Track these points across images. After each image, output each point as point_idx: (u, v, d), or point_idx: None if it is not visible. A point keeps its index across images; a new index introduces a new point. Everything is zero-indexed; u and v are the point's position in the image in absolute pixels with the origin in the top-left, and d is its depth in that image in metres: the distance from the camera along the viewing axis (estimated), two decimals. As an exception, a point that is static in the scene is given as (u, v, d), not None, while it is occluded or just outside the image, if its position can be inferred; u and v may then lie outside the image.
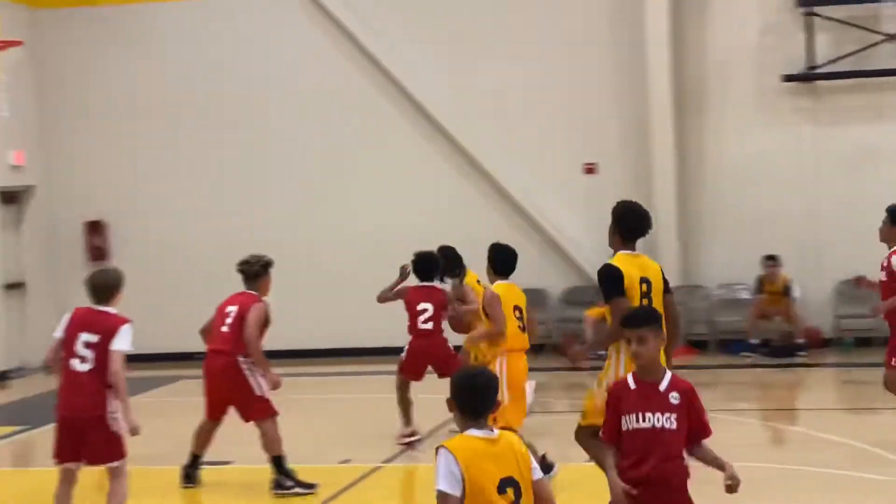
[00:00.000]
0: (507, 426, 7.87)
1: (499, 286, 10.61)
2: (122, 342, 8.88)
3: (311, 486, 10.97)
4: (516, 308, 10.63)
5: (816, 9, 18.72)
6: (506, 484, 5.61)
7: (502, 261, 10.76)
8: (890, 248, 11.92)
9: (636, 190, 19.40)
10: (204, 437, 11.36)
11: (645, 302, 8.66)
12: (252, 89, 20.49)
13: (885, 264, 11.79)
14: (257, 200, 20.30)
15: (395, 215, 20.05)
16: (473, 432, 5.67)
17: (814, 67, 18.89)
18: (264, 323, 11.07)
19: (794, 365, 17.91)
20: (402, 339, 13.04)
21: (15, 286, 20.25)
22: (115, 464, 9.08)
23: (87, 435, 8.94)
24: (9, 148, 19.84)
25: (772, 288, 18.75)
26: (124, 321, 8.98)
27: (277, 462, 10.96)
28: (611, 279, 8.72)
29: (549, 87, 19.81)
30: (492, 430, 5.71)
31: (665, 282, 9.05)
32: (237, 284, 11.33)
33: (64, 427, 9.02)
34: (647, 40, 19.05)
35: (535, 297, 19.69)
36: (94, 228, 20.77)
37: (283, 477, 10.92)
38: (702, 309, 19.46)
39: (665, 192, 19.13)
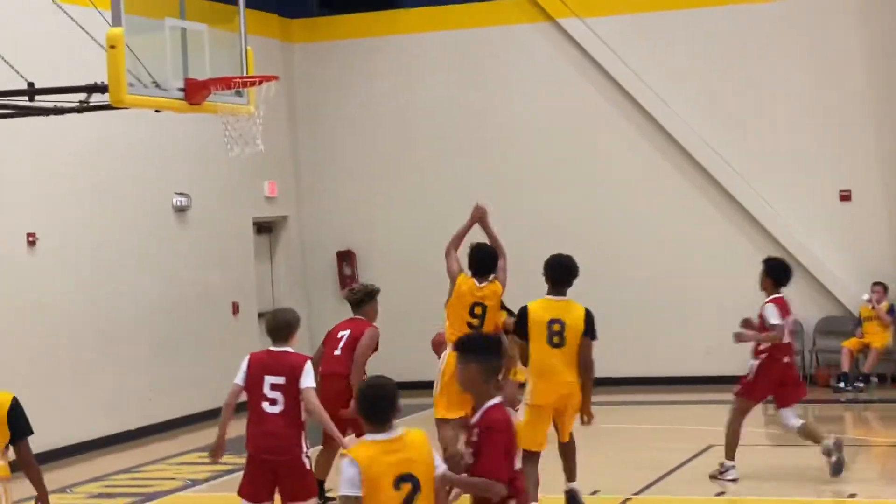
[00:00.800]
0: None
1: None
2: (309, 379, 9.02)
3: None
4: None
5: None
6: (401, 480, 6.08)
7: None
8: (767, 297, 12.61)
9: (893, 218, 18.84)
10: (324, 463, 11.53)
11: (556, 339, 10.52)
12: (500, 124, 20.54)
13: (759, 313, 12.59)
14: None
15: (653, 253, 19.79)
16: (373, 437, 6.16)
17: None
18: (374, 348, 11.60)
19: None
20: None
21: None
22: (310, 501, 9.21)
23: (281, 475, 9.05)
24: (263, 179, 20.36)
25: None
26: (306, 359, 9.14)
27: None
28: (518, 319, 10.79)
29: (805, 113, 19.35)
30: (393, 432, 6.17)
31: (587, 326, 10.65)
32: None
33: (259, 468, 9.10)
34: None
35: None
36: (345, 258, 21.14)
37: None
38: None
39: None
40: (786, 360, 12.42)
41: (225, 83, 10.85)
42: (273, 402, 8.97)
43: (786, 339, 12.41)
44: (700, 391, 18.80)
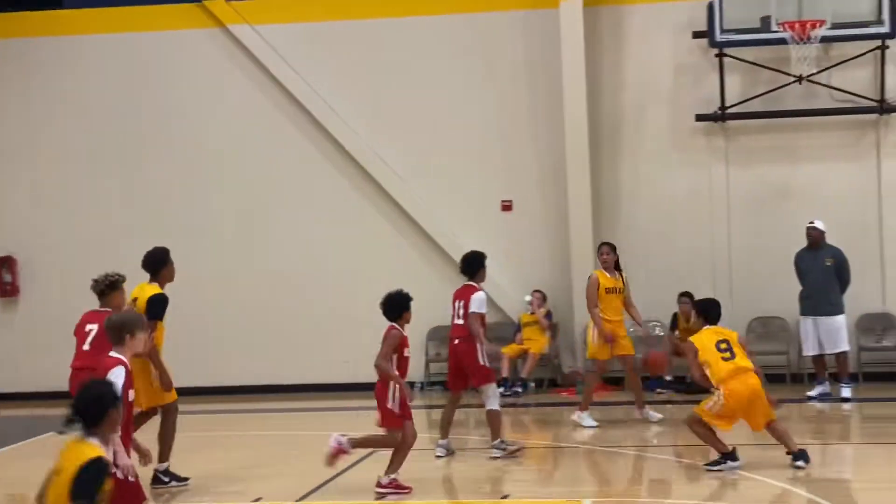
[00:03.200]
0: None
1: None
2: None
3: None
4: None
5: (728, 50, 18.99)
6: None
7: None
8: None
9: (552, 228, 19.59)
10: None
11: None
12: (171, 129, 20.41)
13: None
14: (168, 236, 20.08)
15: (314, 251, 20.07)
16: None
17: (725, 108, 19.16)
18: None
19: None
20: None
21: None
22: None
23: None
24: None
25: (686, 325, 18.91)
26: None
27: None
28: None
29: (467, 127, 19.95)
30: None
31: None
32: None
33: None
34: (564, 82, 19.19)
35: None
36: (4, 263, 20.51)
37: None
38: (617, 346, 19.54)
39: (581, 229, 19.24)
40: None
41: None
42: None
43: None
44: (342, 398, 19.11)
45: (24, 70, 20.59)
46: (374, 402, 12.03)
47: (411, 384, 19.77)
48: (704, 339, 12.71)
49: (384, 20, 20.09)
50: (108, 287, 11.78)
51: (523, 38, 19.85)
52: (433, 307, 19.69)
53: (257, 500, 11.92)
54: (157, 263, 12.73)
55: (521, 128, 19.91)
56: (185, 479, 12.79)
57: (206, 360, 19.62)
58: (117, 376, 8.13)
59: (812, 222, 17.61)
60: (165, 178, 20.43)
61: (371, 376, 12.02)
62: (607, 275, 15.69)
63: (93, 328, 11.62)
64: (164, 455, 12.58)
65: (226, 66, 20.33)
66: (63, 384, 11.75)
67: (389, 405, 11.87)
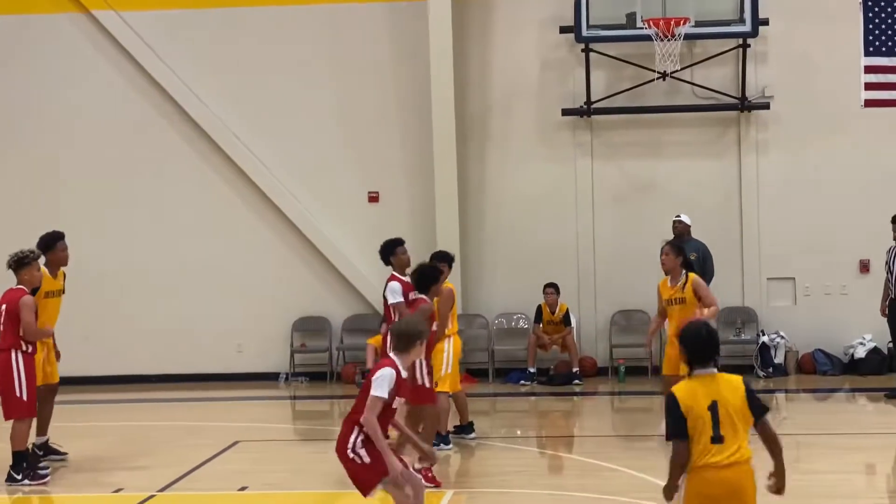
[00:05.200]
0: None
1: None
2: None
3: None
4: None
5: (594, 45, 19.19)
6: None
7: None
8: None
9: (419, 219, 19.63)
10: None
11: None
12: (32, 115, 20.08)
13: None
14: (29, 224, 19.74)
15: (176, 242, 19.89)
16: None
17: (591, 103, 19.37)
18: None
19: (570, 393, 18.27)
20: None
21: None
22: None
23: None
24: None
25: (550, 317, 19.12)
26: None
27: None
28: None
29: (334, 116, 19.91)
30: None
31: None
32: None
33: None
34: (431, 74, 19.23)
35: (318, 325, 19.76)
36: None
37: None
38: (481, 338, 19.70)
39: (447, 221, 19.31)
40: None
41: None
42: None
43: None
44: (229, 388, 19.06)
45: None
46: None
47: (276, 376, 19.78)
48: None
49: (250, 8, 19.94)
50: (16, 264, 12.26)
51: (391, 28, 19.84)
52: (299, 298, 19.75)
53: (118, 490, 11.81)
54: (44, 247, 13.02)
55: (389, 119, 19.91)
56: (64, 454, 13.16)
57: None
58: (388, 381, 8.57)
59: (678, 216, 17.87)
60: (26, 165, 20.06)
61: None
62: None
63: (1, 308, 12.19)
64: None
65: (89, 52, 20.02)
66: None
67: (420, 381, 11.80)
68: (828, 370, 19.10)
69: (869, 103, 18.43)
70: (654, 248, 18.02)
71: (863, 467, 12.75)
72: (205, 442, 14.28)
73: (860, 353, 19.05)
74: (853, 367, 19.06)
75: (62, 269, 13.32)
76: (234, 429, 15.20)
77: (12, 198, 20.06)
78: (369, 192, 20.03)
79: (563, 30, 19.22)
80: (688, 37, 18.66)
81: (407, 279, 12.98)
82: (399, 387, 8.66)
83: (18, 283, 12.28)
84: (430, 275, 12.15)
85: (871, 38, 18.31)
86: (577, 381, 18.81)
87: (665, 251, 13.27)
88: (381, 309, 19.69)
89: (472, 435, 13.92)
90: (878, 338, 18.81)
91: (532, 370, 19.06)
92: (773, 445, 7.29)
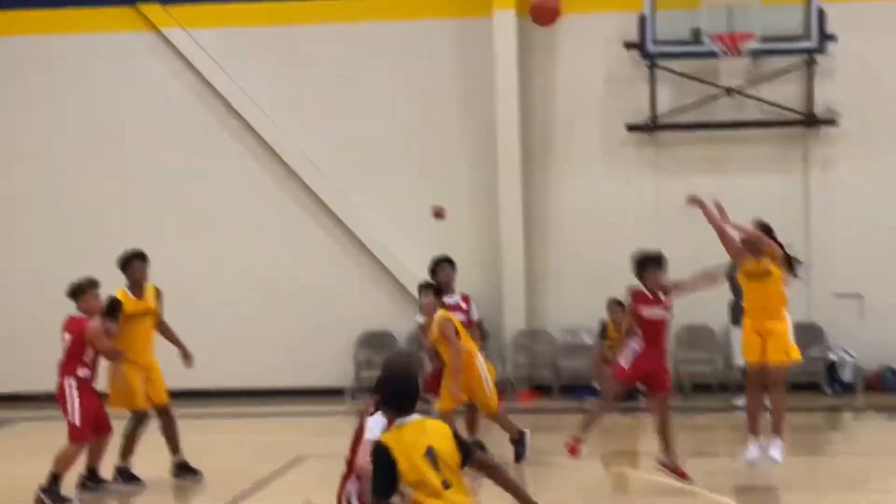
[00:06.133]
0: None
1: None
2: None
3: None
4: None
5: (659, 61, 19.18)
6: None
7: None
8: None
9: (483, 234, 19.68)
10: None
11: None
12: (108, 132, 20.31)
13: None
14: (97, 236, 19.93)
15: (240, 255, 20.04)
16: None
17: (656, 119, 19.35)
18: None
19: (635, 409, 18.19)
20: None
21: None
22: None
23: None
24: None
25: (615, 333, 19.06)
26: None
27: None
28: None
29: (400, 130, 20.00)
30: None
31: None
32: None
33: None
34: (496, 90, 19.30)
35: (382, 340, 19.83)
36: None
37: None
38: (546, 354, 19.70)
39: (512, 238, 19.37)
40: None
41: None
42: None
43: None
44: (294, 403, 19.15)
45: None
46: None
47: (341, 391, 19.85)
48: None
49: (316, 26, 20.08)
50: (72, 295, 12.22)
51: (457, 45, 19.93)
52: (364, 312, 19.83)
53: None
54: (121, 268, 13.04)
55: (454, 133, 19.98)
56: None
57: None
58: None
59: None
60: (93, 179, 20.27)
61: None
62: None
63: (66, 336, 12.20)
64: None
65: (158, 69, 20.23)
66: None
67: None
68: (897, 388, 18.96)
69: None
70: (720, 263, 18.00)
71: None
72: (268, 457, 14.36)
73: (930, 370, 18.90)
74: (923, 384, 18.92)
75: (152, 287, 13.17)
76: (298, 444, 15.26)
77: (80, 212, 20.26)
78: (434, 207, 20.06)
79: (628, 46, 19.22)
80: (753, 53, 18.61)
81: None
82: None
83: (78, 310, 12.26)
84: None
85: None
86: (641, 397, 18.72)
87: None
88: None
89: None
90: (948, 355, 18.65)
91: (597, 386, 19.02)
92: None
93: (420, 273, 19.69)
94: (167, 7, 20.11)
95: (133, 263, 13.00)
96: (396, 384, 6.65)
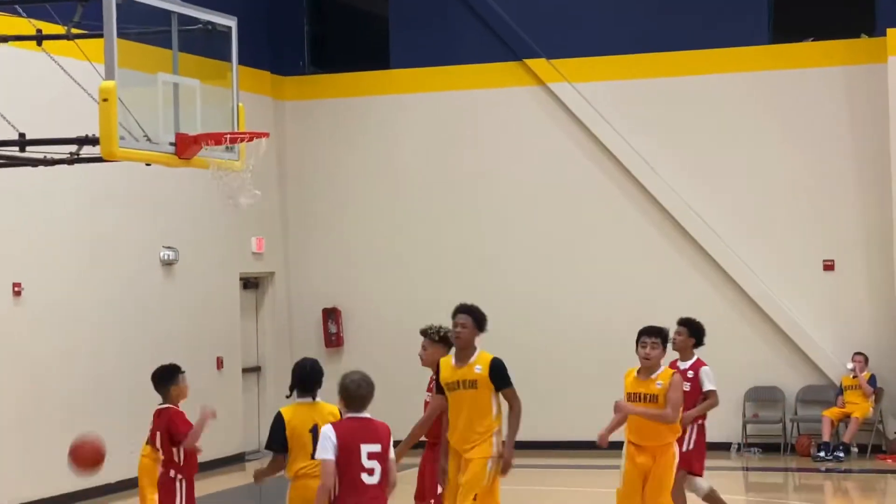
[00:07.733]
0: None
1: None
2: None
3: None
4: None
5: None
6: None
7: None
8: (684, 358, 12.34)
9: (876, 289, 18.93)
10: None
11: None
12: (488, 187, 20.62)
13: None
14: (483, 292, 20.19)
15: (623, 310, 19.93)
16: None
17: None
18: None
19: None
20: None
21: (252, 370, 20.74)
22: None
23: None
24: (251, 235, 20.42)
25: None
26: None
27: None
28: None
29: (788, 182, 19.53)
30: None
31: None
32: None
33: None
34: (890, 137, 18.60)
35: (771, 394, 19.34)
36: (331, 315, 21.15)
37: None
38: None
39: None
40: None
41: (216, 138, 10.87)
42: (371, 472, 8.23)
43: None
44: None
45: (350, 127, 21.20)
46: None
47: (728, 446, 19.38)
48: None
49: (698, 77, 19.84)
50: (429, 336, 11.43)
51: (847, 92, 19.33)
52: (752, 367, 19.38)
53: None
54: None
55: (844, 185, 19.35)
56: None
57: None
58: None
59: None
60: (469, 236, 20.67)
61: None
62: None
63: None
64: None
65: (544, 123, 20.48)
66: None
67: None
68: None
69: None
70: None
71: None
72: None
73: None
74: None
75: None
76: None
77: (453, 268, 20.67)
78: (824, 261, 19.49)
79: None
80: None
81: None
82: None
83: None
84: None
85: None
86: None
87: None
88: (837, 380, 19.16)
89: None
90: None
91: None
92: None
93: (811, 329, 19.18)
94: (553, 61, 20.31)
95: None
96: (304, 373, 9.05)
